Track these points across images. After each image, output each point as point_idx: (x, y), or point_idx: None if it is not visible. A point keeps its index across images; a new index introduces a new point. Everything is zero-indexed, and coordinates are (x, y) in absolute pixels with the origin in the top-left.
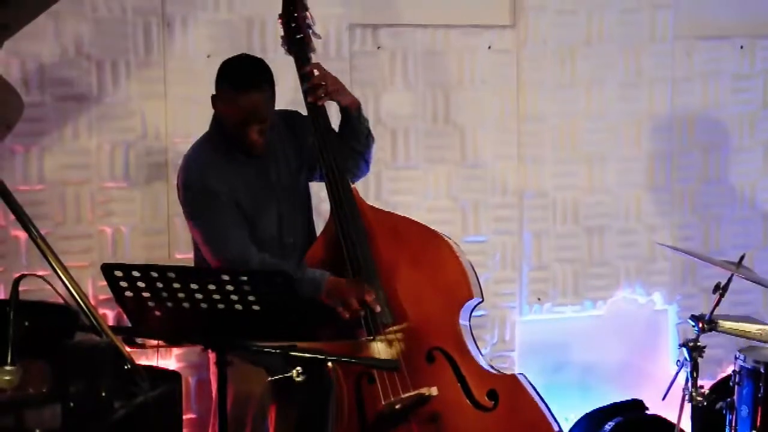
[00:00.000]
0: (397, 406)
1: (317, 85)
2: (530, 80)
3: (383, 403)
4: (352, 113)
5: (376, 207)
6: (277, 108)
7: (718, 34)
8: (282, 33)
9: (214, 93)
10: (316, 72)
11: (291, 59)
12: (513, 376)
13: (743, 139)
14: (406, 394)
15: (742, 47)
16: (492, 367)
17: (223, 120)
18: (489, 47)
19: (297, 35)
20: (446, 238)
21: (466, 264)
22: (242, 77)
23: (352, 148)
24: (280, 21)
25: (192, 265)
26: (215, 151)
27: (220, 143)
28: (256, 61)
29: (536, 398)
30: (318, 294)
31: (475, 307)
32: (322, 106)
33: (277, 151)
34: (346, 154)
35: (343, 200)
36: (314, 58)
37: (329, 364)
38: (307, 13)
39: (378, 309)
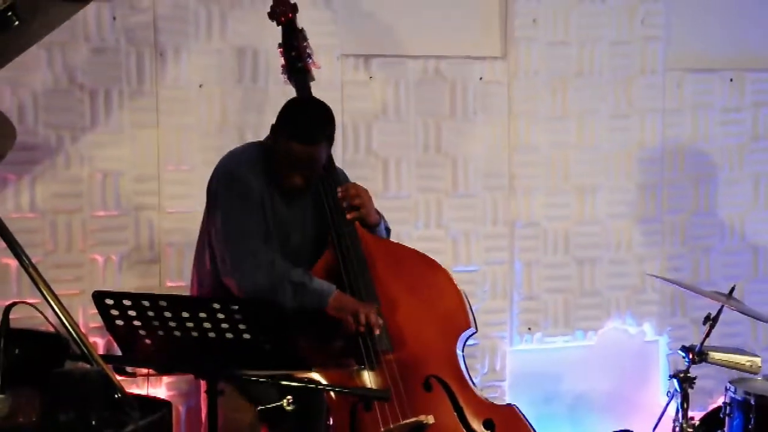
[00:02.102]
0: None
1: (356, 206)
2: (521, 111)
3: (381, 430)
4: (371, 227)
5: (375, 235)
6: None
7: (708, 67)
8: (282, 62)
9: (274, 123)
10: (357, 201)
11: (284, 88)
12: (510, 406)
13: (733, 171)
14: (403, 422)
15: (731, 80)
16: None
17: (274, 152)
18: (480, 78)
19: (297, 64)
20: (444, 268)
21: (463, 294)
22: (306, 131)
23: None
24: (280, 50)
25: (183, 293)
26: (265, 160)
27: (271, 158)
28: (323, 113)
29: (531, 429)
30: (322, 306)
31: (469, 337)
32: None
33: (312, 196)
34: None
35: (343, 227)
36: (312, 87)
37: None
38: (307, 43)
39: (377, 332)
